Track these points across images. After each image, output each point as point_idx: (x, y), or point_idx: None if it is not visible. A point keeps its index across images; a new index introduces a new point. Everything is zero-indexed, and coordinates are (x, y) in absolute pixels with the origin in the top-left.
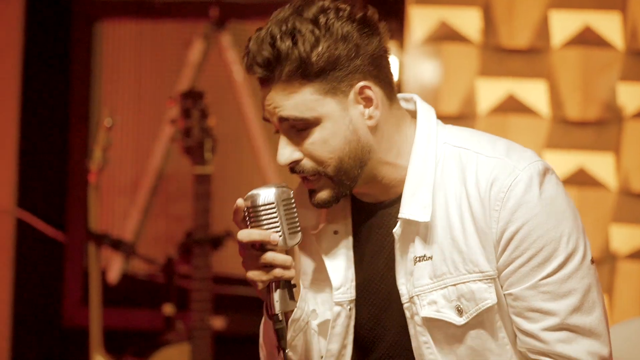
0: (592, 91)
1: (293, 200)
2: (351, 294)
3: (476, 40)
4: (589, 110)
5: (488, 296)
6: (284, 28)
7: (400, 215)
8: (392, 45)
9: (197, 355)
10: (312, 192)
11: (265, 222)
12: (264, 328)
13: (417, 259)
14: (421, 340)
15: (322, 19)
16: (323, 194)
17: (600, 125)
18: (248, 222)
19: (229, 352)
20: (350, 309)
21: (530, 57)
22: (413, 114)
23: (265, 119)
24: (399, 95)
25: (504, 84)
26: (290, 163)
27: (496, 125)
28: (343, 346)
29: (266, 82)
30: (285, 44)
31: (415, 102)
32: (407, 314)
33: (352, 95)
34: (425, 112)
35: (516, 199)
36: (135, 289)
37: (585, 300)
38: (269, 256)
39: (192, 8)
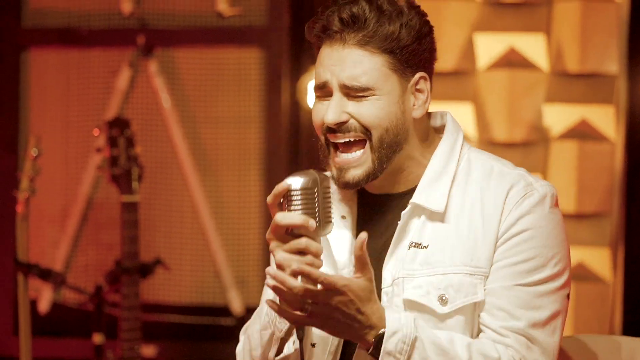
0: (518, 113)
1: (329, 189)
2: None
3: None
4: (516, 131)
5: (478, 291)
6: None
7: (413, 200)
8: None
9: None
10: (341, 171)
11: (303, 206)
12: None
13: (413, 244)
14: None
15: (407, 9)
16: (357, 171)
17: (527, 147)
18: (286, 206)
19: None
20: None
21: (456, 80)
22: (438, 129)
23: (319, 82)
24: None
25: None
26: (338, 123)
27: None
28: None
29: (338, 40)
30: (381, 10)
31: (446, 116)
32: (385, 298)
33: (412, 81)
34: (456, 124)
35: (529, 206)
36: (65, 319)
37: (550, 322)
38: (303, 242)
39: (119, 36)
